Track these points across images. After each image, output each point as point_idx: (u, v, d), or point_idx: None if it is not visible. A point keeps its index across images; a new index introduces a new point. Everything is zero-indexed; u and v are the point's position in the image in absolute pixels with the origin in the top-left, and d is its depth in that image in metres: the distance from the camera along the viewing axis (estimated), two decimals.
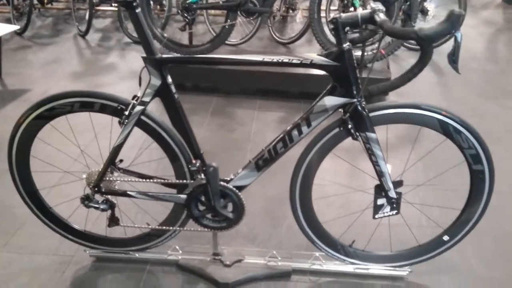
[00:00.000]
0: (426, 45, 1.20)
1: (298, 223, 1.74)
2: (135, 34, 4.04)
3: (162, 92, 1.54)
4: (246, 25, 3.85)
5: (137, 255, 1.88)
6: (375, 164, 1.56)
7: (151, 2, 3.67)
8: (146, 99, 1.55)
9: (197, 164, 1.61)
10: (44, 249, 1.94)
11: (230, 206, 1.70)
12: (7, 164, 1.67)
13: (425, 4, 4.04)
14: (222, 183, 1.65)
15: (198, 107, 3.21)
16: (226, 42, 3.67)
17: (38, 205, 1.79)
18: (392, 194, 1.61)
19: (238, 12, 3.40)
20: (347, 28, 1.38)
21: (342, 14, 1.37)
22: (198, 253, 1.88)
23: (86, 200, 1.69)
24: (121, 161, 1.71)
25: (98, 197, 1.71)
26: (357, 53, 2.26)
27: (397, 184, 1.64)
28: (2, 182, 1.74)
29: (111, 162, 1.64)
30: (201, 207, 1.69)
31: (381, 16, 1.31)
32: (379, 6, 1.41)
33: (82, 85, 3.60)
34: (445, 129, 1.52)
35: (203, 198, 1.67)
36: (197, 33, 4.36)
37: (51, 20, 5.58)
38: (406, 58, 4.18)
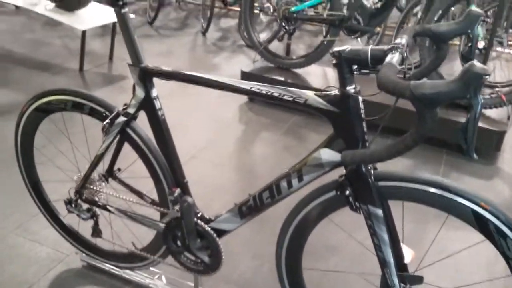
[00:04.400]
0: (421, 108, 0.81)
1: None
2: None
3: (146, 106, 1.36)
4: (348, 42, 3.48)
5: (122, 272, 1.74)
6: (377, 249, 1.18)
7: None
8: (131, 110, 1.38)
9: (175, 194, 1.39)
10: (48, 241, 1.91)
11: (207, 250, 1.45)
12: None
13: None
14: (200, 222, 1.41)
15: (272, 123, 2.98)
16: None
17: (38, 196, 1.75)
18: None
19: (341, 29, 3.07)
20: (355, 67, 1.04)
21: (348, 47, 1.03)
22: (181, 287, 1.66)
23: (69, 204, 1.59)
24: (119, 169, 1.58)
25: (82, 204, 1.60)
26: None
27: (413, 279, 1.23)
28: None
29: (93, 170, 1.51)
30: (177, 243, 1.47)
31: (392, 58, 0.94)
32: (403, 41, 1.04)
33: (160, 86, 3.60)
34: (483, 227, 1.07)
35: (179, 233, 1.45)
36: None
37: (185, 14, 5.81)
38: None
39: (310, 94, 1.12)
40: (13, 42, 4.39)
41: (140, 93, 1.34)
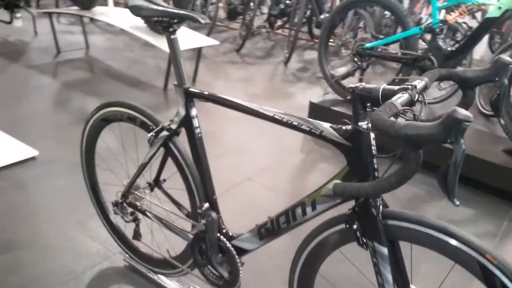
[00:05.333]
0: (406, 148, 0.82)
1: None
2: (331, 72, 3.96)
3: (186, 123, 1.48)
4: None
5: (156, 277, 1.85)
6: (380, 287, 1.17)
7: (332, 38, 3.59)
8: (173, 126, 1.51)
9: (203, 208, 1.49)
10: (100, 239, 2.09)
11: (227, 266, 1.51)
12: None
13: None
14: (222, 237, 1.48)
15: (333, 155, 2.99)
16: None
17: (95, 197, 1.94)
18: None
19: (414, 68, 3.03)
20: (368, 104, 1.07)
21: (362, 84, 1.06)
22: None
23: (115, 206, 1.75)
24: (164, 180, 1.72)
25: (127, 208, 1.75)
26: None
27: None
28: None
29: (137, 177, 1.66)
30: (201, 255, 1.55)
31: (399, 98, 0.96)
32: (422, 83, 1.05)
33: None
34: (489, 281, 1.02)
35: (203, 246, 1.53)
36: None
37: (271, 44, 6.02)
38: None
39: (326, 126, 1.16)
40: (113, 59, 4.86)
41: (182, 111, 1.47)
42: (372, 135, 1.09)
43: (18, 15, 5.04)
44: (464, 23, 3.42)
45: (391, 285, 1.15)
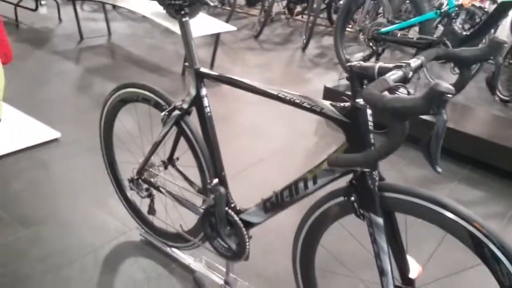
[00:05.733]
0: (392, 121, 0.88)
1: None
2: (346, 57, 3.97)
3: (196, 103, 1.55)
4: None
5: (170, 250, 1.95)
6: (377, 256, 1.22)
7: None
8: (185, 106, 1.58)
9: (213, 184, 1.57)
10: (118, 215, 2.19)
11: (235, 238, 1.59)
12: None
13: None
14: (230, 211, 1.56)
15: None
16: None
17: (114, 175, 2.04)
18: None
19: None
20: (365, 81, 1.12)
21: (360, 62, 1.11)
22: (216, 273, 1.82)
23: (131, 182, 1.84)
24: (177, 159, 1.80)
25: (142, 184, 1.84)
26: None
27: None
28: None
29: (151, 155, 1.74)
30: (211, 228, 1.64)
31: (392, 75, 1.01)
32: (417, 62, 1.10)
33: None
34: (478, 249, 1.08)
35: (213, 219, 1.61)
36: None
37: (290, 31, 6.04)
38: None
39: (326, 103, 1.22)
40: (134, 45, 4.97)
41: (193, 91, 1.54)
42: (369, 111, 1.15)
43: (43, 2, 5.19)
44: (483, 7, 3.39)
45: (386, 254, 1.21)
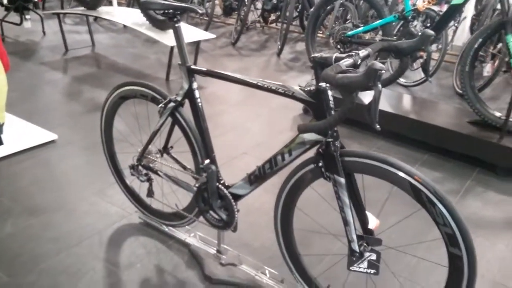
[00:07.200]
0: (343, 93, 1.18)
1: (280, 249, 1.79)
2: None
3: (189, 95, 1.83)
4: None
5: (167, 229, 2.22)
6: (341, 210, 1.52)
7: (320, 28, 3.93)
8: (179, 98, 1.86)
9: (205, 163, 1.84)
10: (118, 203, 2.44)
11: (225, 210, 1.87)
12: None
13: None
14: (221, 186, 1.84)
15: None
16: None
17: (114, 165, 2.30)
18: (355, 247, 1.53)
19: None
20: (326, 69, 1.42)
21: (321, 54, 1.42)
22: (209, 245, 2.09)
23: (132, 169, 2.11)
24: (171, 147, 2.07)
25: (142, 170, 2.10)
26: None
27: (373, 241, 1.55)
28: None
29: (149, 143, 2.01)
30: (204, 202, 1.91)
31: (344, 62, 1.31)
32: (365, 52, 1.41)
33: (233, 92, 4.11)
34: (418, 196, 1.38)
35: (205, 195, 1.89)
36: None
37: (265, 38, 6.38)
38: None
39: (296, 88, 1.52)
40: (118, 55, 5.22)
41: (185, 85, 1.82)
42: (330, 92, 1.45)
43: (27, 17, 5.40)
44: (437, 11, 3.76)
45: (348, 207, 1.50)
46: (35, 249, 2.08)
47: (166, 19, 1.76)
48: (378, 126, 1.18)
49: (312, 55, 1.43)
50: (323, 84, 1.43)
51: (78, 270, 1.96)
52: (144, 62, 5.03)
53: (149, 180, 2.11)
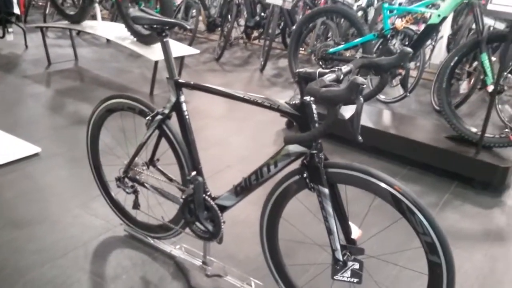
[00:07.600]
0: (327, 106, 1.23)
1: (265, 260, 1.83)
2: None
3: (176, 108, 1.87)
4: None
5: (152, 241, 2.23)
6: (325, 219, 1.57)
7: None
8: (166, 111, 1.90)
9: (192, 175, 1.88)
10: (103, 215, 2.44)
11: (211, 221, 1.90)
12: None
13: None
14: (207, 197, 1.87)
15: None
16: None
17: (99, 177, 2.31)
18: (339, 256, 1.57)
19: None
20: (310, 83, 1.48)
21: (305, 69, 1.48)
22: (195, 256, 2.11)
23: (118, 181, 2.12)
24: (157, 160, 2.10)
25: (128, 182, 2.12)
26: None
27: (356, 250, 1.60)
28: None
29: (136, 155, 2.04)
30: (190, 214, 1.94)
31: (327, 77, 1.37)
32: (347, 68, 1.47)
33: (216, 107, 4.15)
34: (398, 206, 1.44)
35: (192, 206, 1.92)
36: None
37: (248, 54, 6.47)
38: None
39: (282, 102, 1.58)
40: (101, 69, 5.23)
41: (173, 98, 1.86)
42: (314, 106, 1.51)
43: (10, 30, 5.39)
44: (415, 30, 3.91)
45: (332, 217, 1.55)
46: (20, 261, 2.07)
47: (151, 34, 1.81)
48: (360, 138, 1.24)
49: (297, 70, 1.49)
50: (307, 98, 1.49)
51: (63, 282, 1.95)
52: (127, 76, 5.05)
53: (135, 192, 2.13)
